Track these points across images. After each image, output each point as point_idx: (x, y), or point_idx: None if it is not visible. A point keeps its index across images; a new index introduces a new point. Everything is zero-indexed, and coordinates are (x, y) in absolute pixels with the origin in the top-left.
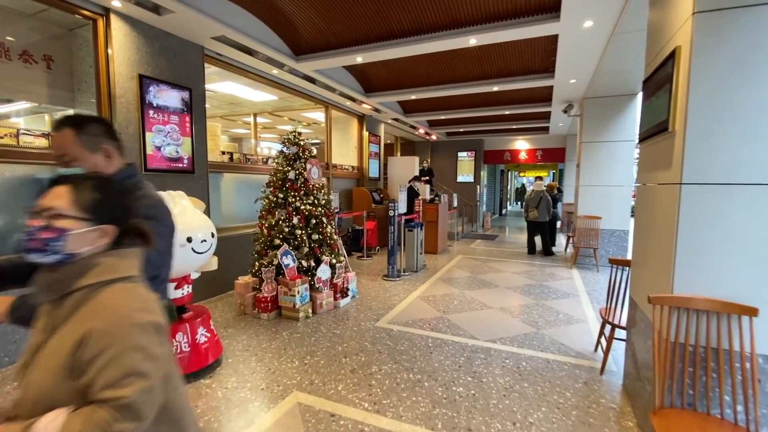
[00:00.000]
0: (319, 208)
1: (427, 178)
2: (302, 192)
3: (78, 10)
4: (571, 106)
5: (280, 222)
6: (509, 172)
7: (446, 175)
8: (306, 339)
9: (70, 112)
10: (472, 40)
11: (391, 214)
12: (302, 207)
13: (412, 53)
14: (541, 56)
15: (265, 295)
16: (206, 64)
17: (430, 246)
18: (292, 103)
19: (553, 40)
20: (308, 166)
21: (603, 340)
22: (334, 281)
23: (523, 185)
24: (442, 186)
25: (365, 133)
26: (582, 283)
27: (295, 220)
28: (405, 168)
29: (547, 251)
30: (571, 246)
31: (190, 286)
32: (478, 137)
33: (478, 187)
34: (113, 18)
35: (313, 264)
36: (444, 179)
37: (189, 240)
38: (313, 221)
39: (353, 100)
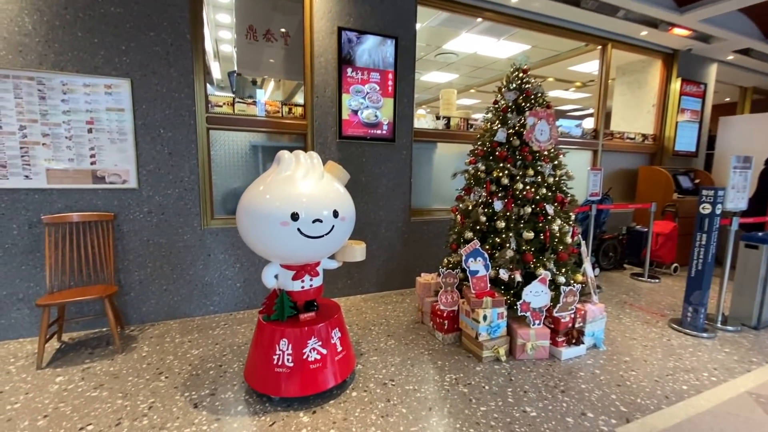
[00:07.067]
0: (543, 190)
1: None
2: (516, 163)
3: None
4: None
5: (475, 206)
6: None
7: None
8: (469, 404)
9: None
10: None
11: (705, 212)
12: (514, 186)
13: None
14: None
15: (441, 307)
16: (424, 7)
17: None
18: (552, 51)
19: None
20: (529, 120)
21: None
22: (555, 314)
23: None
24: None
25: (675, 83)
26: None
27: (497, 205)
28: (755, 134)
29: None
30: None
31: (317, 279)
32: None
33: None
34: None
35: (519, 279)
36: None
37: (294, 217)
38: (529, 210)
39: (654, 25)
